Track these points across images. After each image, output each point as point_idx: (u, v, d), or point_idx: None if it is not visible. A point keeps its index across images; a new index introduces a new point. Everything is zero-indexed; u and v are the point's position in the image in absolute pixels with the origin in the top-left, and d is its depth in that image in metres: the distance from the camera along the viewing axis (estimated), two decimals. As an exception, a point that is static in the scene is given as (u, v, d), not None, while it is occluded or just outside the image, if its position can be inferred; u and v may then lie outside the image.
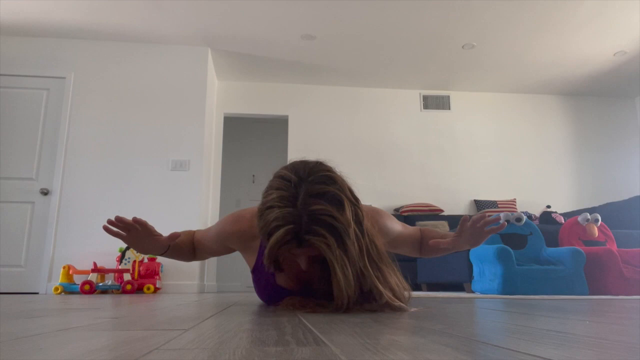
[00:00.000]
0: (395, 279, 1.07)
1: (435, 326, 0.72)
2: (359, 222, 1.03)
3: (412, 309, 1.08)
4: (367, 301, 1.03)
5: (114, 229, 1.22)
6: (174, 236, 1.23)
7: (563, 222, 4.13)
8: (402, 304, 1.03)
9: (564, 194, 5.89)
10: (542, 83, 5.84)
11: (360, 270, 1.00)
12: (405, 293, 1.08)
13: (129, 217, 4.28)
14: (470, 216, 1.19)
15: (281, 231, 0.96)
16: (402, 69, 5.46)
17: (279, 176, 1.05)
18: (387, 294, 1.01)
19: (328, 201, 0.97)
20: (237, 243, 1.30)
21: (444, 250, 1.27)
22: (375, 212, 1.28)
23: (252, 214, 1.26)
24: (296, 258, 1.05)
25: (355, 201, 1.04)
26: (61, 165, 4.40)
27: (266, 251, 0.99)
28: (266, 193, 1.04)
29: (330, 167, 1.07)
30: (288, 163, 1.11)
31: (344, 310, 1.01)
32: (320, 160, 1.09)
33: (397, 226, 1.35)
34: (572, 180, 5.97)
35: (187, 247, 1.42)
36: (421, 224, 5.07)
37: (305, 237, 0.96)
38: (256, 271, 1.29)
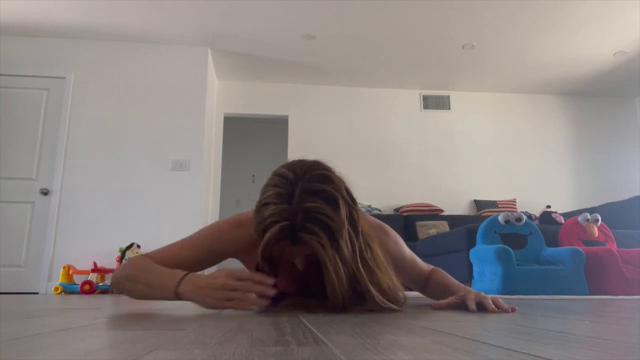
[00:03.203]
0: (389, 282, 1.07)
1: (435, 326, 0.72)
2: (353, 223, 1.02)
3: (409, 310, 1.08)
4: (361, 301, 1.03)
5: None
6: None
7: (563, 222, 4.12)
8: (393, 305, 1.03)
9: (564, 194, 5.89)
10: (542, 83, 5.84)
11: (353, 272, 1.00)
12: (400, 293, 1.08)
13: (129, 217, 4.31)
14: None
15: (276, 227, 0.96)
16: (402, 69, 5.46)
17: (276, 174, 1.05)
18: (378, 297, 1.01)
19: (323, 200, 0.97)
20: (238, 247, 1.20)
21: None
22: (381, 228, 1.25)
23: (252, 220, 1.18)
24: (292, 258, 1.06)
25: (351, 202, 1.04)
26: (61, 165, 4.40)
27: (260, 248, 0.99)
28: (263, 190, 1.04)
29: (329, 167, 1.07)
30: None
31: (340, 309, 1.01)
32: (319, 160, 1.09)
33: (403, 250, 1.29)
34: (572, 180, 5.97)
35: None
36: (421, 224, 5.07)
37: (299, 235, 0.96)
38: None
